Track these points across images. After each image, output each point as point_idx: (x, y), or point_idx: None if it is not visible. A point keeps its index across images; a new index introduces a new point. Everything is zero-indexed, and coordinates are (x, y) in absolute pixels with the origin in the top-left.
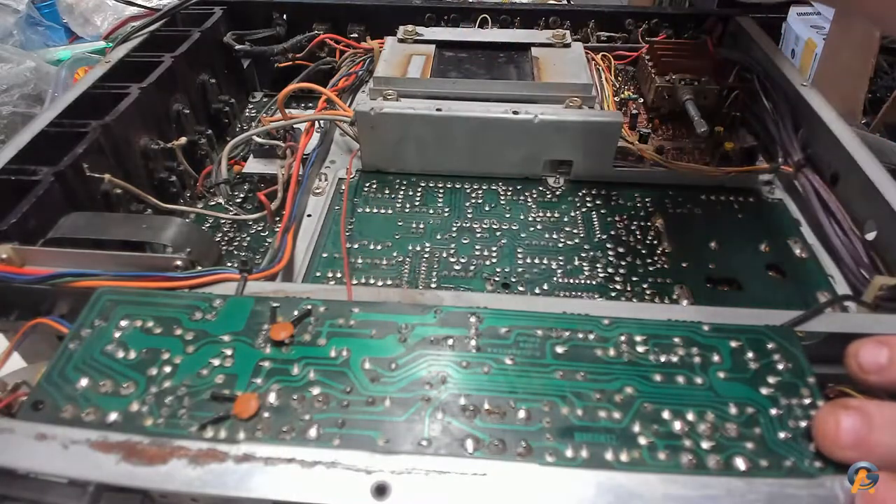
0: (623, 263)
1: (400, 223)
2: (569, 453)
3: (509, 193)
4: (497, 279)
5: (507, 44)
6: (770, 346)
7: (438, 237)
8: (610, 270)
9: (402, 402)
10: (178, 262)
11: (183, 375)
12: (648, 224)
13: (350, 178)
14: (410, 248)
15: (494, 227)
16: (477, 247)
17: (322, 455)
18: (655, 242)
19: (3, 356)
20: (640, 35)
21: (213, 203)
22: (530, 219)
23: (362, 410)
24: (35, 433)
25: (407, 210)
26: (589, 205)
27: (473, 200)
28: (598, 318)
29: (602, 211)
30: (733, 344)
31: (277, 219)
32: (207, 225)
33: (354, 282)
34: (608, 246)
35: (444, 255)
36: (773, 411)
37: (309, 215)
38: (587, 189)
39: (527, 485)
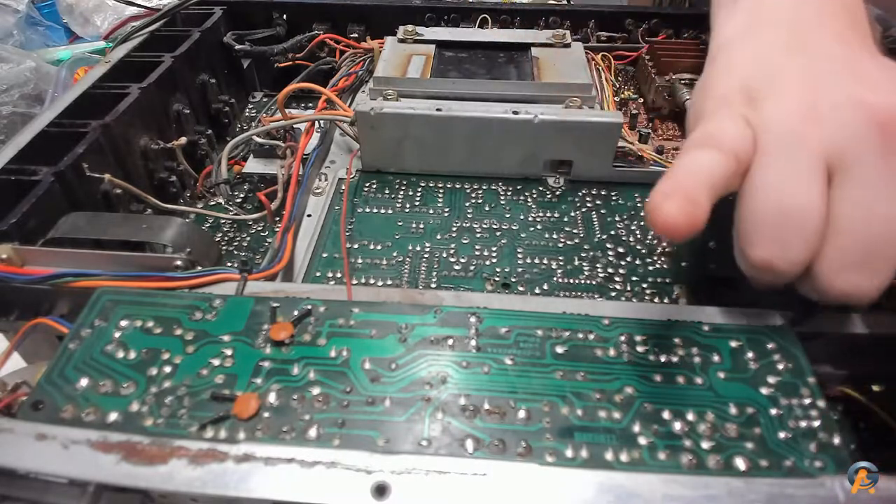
0: (623, 263)
1: (400, 223)
2: (569, 453)
3: (509, 193)
4: (497, 279)
5: (507, 44)
6: (770, 346)
7: (438, 237)
8: (610, 270)
9: (402, 402)
10: (178, 262)
11: (183, 375)
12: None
13: (350, 178)
14: (410, 248)
15: (494, 227)
16: (477, 247)
17: (322, 455)
18: (655, 242)
19: (3, 356)
20: (640, 35)
21: (213, 203)
22: (530, 219)
23: (362, 410)
24: (35, 433)
25: (407, 210)
26: (589, 205)
27: (473, 200)
28: (598, 318)
29: (602, 211)
30: (733, 344)
31: (277, 219)
32: (207, 225)
33: (354, 282)
34: (608, 246)
35: (444, 255)
36: (773, 411)
37: (309, 215)
38: (587, 189)
39: (527, 485)
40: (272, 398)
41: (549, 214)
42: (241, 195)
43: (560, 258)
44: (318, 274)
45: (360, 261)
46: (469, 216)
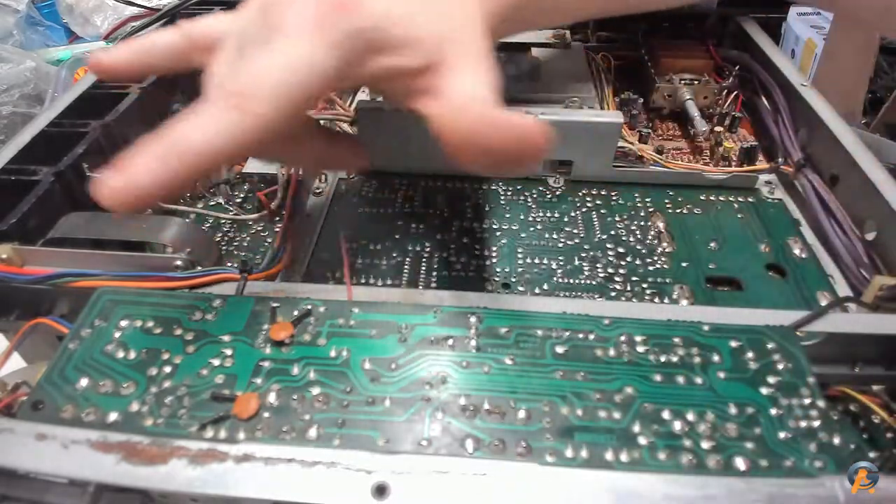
0: (623, 263)
1: (400, 223)
2: (569, 453)
3: (509, 193)
4: (497, 279)
5: (507, 43)
6: (770, 346)
7: (438, 237)
8: (610, 270)
9: (402, 402)
10: (178, 262)
11: (183, 375)
12: (648, 224)
13: (350, 178)
14: (410, 248)
15: (494, 227)
16: (477, 247)
17: (322, 455)
18: (655, 242)
19: (3, 356)
20: (640, 35)
21: (213, 203)
22: (530, 219)
23: (362, 410)
24: (35, 433)
25: (407, 210)
26: (589, 205)
27: (473, 200)
28: (598, 318)
29: (602, 211)
30: (733, 344)
31: (277, 219)
32: (207, 225)
33: (354, 282)
34: (608, 246)
35: (444, 255)
36: (773, 411)
37: (309, 215)
38: (587, 189)
39: (527, 485)
40: (272, 398)
41: (549, 214)
42: (241, 195)
43: (560, 258)
44: (318, 274)
45: (360, 261)
46: (469, 216)
